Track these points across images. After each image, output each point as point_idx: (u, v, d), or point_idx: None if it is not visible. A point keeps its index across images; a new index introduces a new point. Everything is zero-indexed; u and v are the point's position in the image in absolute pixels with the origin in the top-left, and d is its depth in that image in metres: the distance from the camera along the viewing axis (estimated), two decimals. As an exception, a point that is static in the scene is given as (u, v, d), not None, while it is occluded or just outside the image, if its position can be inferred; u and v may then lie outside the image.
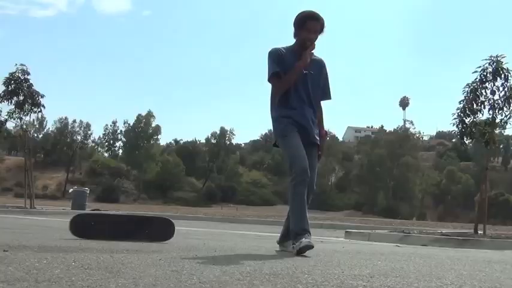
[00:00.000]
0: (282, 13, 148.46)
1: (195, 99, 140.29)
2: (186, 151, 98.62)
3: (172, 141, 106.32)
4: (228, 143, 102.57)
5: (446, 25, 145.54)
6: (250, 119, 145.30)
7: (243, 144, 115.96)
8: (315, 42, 4.96)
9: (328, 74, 5.18)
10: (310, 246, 4.53)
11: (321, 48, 5.06)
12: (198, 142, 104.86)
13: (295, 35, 4.98)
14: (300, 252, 4.49)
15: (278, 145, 5.03)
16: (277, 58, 4.91)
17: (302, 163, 4.71)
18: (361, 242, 9.47)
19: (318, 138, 5.07)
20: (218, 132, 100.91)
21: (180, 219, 16.29)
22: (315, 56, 5.04)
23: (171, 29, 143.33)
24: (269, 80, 4.96)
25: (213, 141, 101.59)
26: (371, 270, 3.57)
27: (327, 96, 5.21)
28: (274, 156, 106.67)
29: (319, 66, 5.11)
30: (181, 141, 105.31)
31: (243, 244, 6.20)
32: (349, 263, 4.04)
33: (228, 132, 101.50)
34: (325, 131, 5.24)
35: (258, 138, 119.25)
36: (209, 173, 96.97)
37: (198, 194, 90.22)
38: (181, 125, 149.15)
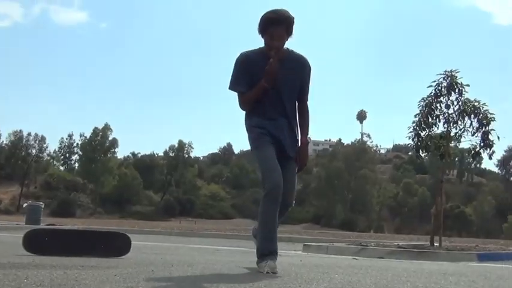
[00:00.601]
0: (242, 26, 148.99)
1: (153, 112, 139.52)
2: (143, 164, 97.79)
3: (130, 155, 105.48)
4: (187, 156, 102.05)
5: (402, 40, 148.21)
6: (209, 132, 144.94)
7: (201, 158, 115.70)
8: (284, 46, 4.48)
9: (309, 74, 4.67)
10: (274, 272, 4.19)
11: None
12: (156, 155, 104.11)
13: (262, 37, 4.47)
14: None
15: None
16: (244, 67, 4.48)
17: (274, 178, 4.31)
18: (319, 255, 9.50)
19: (294, 150, 4.59)
20: (176, 145, 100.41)
21: (137, 234, 16.11)
22: (294, 53, 4.56)
23: (128, 42, 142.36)
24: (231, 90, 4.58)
25: (171, 154, 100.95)
26: (328, 284, 3.58)
27: (303, 99, 4.71)
28: (232, 169, 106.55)
29: (299, 66, 4.58)
30: (139, 155, 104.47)
31: (200, 258, 6.15)
32: (306, 277, 4.04)
33: (187, 146, 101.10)
34: (307, 138, 4.66)
35: (217, 151, 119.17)
36: (167, 187, 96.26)
37: (156, 207, 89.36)
38: (139, 138, 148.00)
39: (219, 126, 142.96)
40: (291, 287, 3.28)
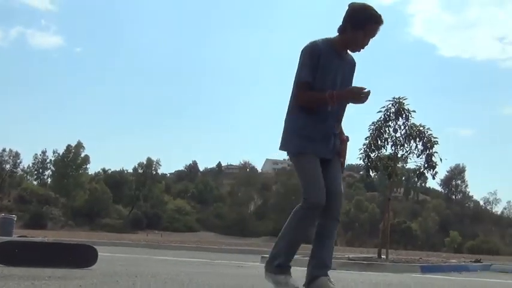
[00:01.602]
0: (212, 53, 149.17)
1: (123, 130, 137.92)
2: (113, 180, 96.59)
3: (101, 171, 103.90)
4: (154, 172, 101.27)
5: (358, 69, 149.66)
6: (176, 150, 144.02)
7: (168, 174, 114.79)
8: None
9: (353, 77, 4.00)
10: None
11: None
12: (126, 171, 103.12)
13: (343, 31, 3.71)
14: None
15: (290, 159, 3.88)
16: (315, 58, 3.68)
17: (319, 196, 3.62)
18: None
19: (338, 147, 3.91)
20: (145, 162, 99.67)
21: (105, 246, 15.86)
22: (348, 53, 3.85)
23: (102, 64, 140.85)
24: (295, 85, 3.77)
25: (140, 170, 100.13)
26: (281, 294, 3.57)
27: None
28: (197, 185, 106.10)
29: (351, 67, 3.92)
30: (110, 171, 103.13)
31: (164, 270, 6.08)
32: (260, 287, 4.03)
33: (155, 163, 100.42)
34: (346, 136, 4.04)
35: (183, 168, 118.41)
36: (135, 201, 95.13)
37: (124, 220, 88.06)
38: (110, 155, 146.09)
39: (185, 145, 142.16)
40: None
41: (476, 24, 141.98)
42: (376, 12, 3.66)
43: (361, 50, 3.78)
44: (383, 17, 3.66)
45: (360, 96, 3.63)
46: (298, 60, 3.75)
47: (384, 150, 11.94)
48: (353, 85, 3.86)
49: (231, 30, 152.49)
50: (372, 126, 11.87)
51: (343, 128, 4.02)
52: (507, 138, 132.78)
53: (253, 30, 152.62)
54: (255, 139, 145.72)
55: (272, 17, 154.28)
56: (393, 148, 11.83)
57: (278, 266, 3.66)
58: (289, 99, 3.84)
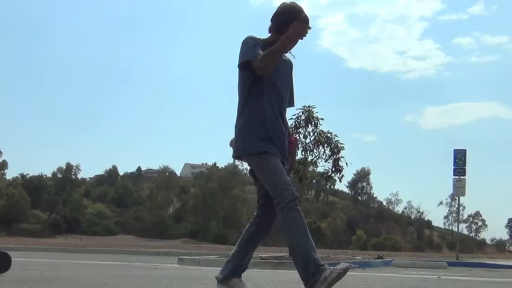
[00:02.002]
0: (128, 53, 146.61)
1: (42, 135, 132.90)
2: (32, 185, 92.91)
3: (19, 176, 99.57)
4: (74, 177, 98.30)
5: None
6: (95, 154, 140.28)
7: (88, 179, 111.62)
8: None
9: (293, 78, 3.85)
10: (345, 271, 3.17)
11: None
12: (45, 176, 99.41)
13: (278, 30, 3.53)
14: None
15: (248, 163, 3.67)
16: (256, 42, 3.55)
17: (290, 189, 3.34)
18: (192, 267, 9.41)
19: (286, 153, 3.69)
20: (64, 167, 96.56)
21: (22, 251, 15.23)
22: (284, 55, 3.68)
23: (18, 68, 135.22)
24: (242, 65, 3.54)
25: (59, 175, 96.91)
26: (194, 295, 3.56)
27: (291, 103, 3.86)
28: (117, 189, 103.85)
29: (289, 67, 3.77)
30: (28, 176, 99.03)
31: (80, 274, 5.91)
32: (175, 289, 3.99)
33: (74, 168, 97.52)
34: (294, 137, 3.89)
35: (103, 173, 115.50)
36: (55, 206, 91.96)
37: (43, 225, 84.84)
38: (28, 160, 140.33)
39: (105, 150, 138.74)
40: (159, 299, 3.22)
41: (379, 39, 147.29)
42: (302, 11, 3.53)
43: (292, 47, 3.55)
44: (307, 16, 3.49)
45: (303, 26, 3.41)
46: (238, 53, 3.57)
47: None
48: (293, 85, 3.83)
49: (149, 35, 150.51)
50: (284, 133, 12.04)
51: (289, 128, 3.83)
52: (408, 143, 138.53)
53: (172, 36, 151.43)
54: (174, 144, 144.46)
55: (191, 23, 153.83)
56: (303, 153, 12.07)
57: (316, 270, 3.15)
58: (237, 104, 3.68)
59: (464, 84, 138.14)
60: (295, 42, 3.46)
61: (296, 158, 12.21)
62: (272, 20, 3.61)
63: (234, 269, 3.61)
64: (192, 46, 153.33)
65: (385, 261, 13.47)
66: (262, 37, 3.63)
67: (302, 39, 3.52)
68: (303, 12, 3.53)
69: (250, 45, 3.53)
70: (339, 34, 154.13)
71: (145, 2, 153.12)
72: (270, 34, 3.64)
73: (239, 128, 3.61)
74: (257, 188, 3.63)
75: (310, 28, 3.52)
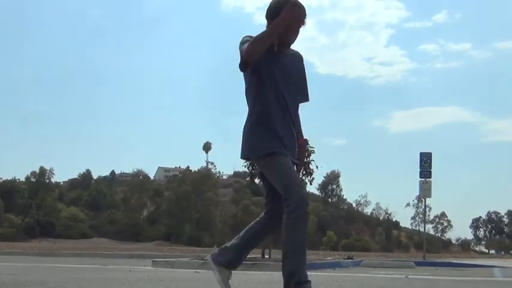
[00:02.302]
0: (101, 56, 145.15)
1: (14, 139, 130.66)
2: (4, 189, 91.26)
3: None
4: (48, 181, 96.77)
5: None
6: (69, 159, 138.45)
7: (61, 183, 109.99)
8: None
9: (305, 71, 3.64)
10: None
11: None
12: (18, 180, 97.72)
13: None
14: None
15: (257, 165, 3.53)
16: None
17: (301, 191, 3.22)
18: (166, 269, 9.34)
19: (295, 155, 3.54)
20: (38, 171, 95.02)
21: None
22: (291, 49, 3.54)
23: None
24: (240, 65, 3.33)
25: (32, 179, 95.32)
26: (167, 297, 3.52)
27: (305, 98, 3.63)
28: (91, 193, 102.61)
29: (298, 62, 3.56)
30: (1, 180, 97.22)
31: (53, 277, 5.81)
32: (149, 291, 3.95)
33: (48, 172, 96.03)
34: (305, 140, 3.68)
35: (77, 177, 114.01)
36: (28, 210, 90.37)
37: (16, 229, 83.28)
38: (1, 165, 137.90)
39: (79, 154, 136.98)
40: (133, 302, 3.18)
41: (348, 45, 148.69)
42: (294, 0, 3.32)
43: (292, 43, 3.47)
44: (302, 4, 3.36)
45: (294, 9, 3.26)
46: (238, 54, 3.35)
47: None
48: (306, 78, 3.61)
49: (121, 40, 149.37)
50: (256, 137, 12.05)
51: (302, 130, 3.63)
52: (376, 147, 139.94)
53: (146, 41, 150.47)
54: (148, 148, 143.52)
55: (165, 29, 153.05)
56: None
57: (296, 284, 3.13)
58: (248, 109, 3.49)
59: (429, 90, 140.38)
60: (288, 27, 3.29)
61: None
62: (266, 17, 3.45)
63: (232, 261, 3.56)
64: (166, 51, 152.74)
65: (355, 262, 13.58)
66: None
67: (299, 25, 3.41)
68: (296, 2, 3.34)
69: (242, 43, 3.33)
70: (308, 40, 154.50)
71: (120, 7, 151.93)
72: None
73: (247, 129, 3.45)
74: (266, 191, 3.51)
75: (305, 16, 3.40)
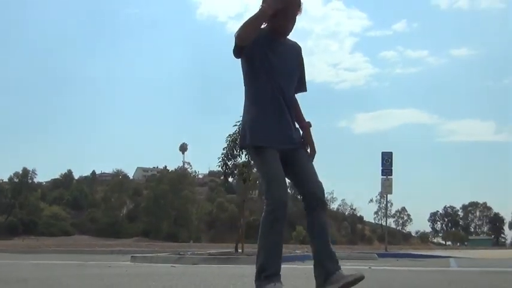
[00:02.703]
0: (82, 59, 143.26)
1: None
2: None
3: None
4: (30, 181, 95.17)
5: (215, 86, 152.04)
6: (51, 159, 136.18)
7: (44, 183, 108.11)
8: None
9: (303, 61, 3.44)
10: None
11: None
12: (1, 181, 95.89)
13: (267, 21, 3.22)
14: None
15: (248, 153, 3.38)
16: None
17: (280, 192, 3.09)
18: (144, 264, 9.25)
19: (300, 138, 3.36)
20: (21, 172, 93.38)
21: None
22: (289, 39, 3.36)
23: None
24: (234, 50, 3.15)
25: (15, 180, 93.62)
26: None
27: (302, 87, 3.43)
28: (72, 192, 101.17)
29: (295, 52, 3.37)
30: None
31: (35, 274, 5.70)
32: (126, 286, 3.90)
33: (30, 172, 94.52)
34: (308, 122, 3.44)
35: (58, 177, 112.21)
36: (11, 209, 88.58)
37: (0, 227, 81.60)
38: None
39: (60, 155, 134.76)
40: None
41: (315, 52, 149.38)
42: None
43: (289, 32, 3.28)
44: None
45: None
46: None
47: (239, 158, 12.16)
48: (304, 69, 3.42)
49: (97, 45, 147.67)
50: (229, 138, 12.03)
51: (302, 114, 3.44)
52: (341, 146, 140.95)
53: (121, 46, 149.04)
54: (127, 149, 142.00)
55: (139, 34, 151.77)
56: (247, 157, 12.06)
57: (266, 278, 3.09)
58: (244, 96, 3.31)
59: (390, 93, 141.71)
60: (284, 15, 3.13)
61: (242, 161, 12.24)
62: None
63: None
64: (145, 57, 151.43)
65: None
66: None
67: (295, 13, 3.21)
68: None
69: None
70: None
71: (93, 14, 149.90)
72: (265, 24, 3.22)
73: (243, 118, 3.31)
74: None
75: (301, 3, 3.21)
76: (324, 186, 3.23)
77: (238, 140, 3.35)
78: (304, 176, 3.22)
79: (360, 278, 2.97)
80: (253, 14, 3.07)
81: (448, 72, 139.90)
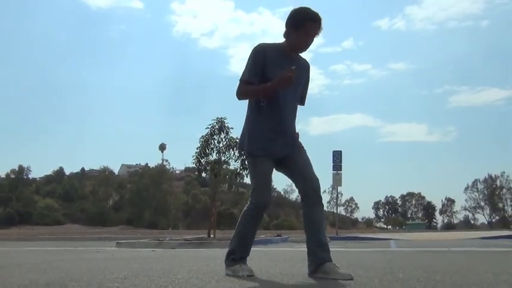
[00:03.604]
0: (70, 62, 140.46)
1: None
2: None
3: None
4: (26, 177, 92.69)
5: (191, 93, 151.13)
6: (45, 157, 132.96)
7: (38, 178, 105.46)
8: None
9: (309, 79, 3.34)
10: (252, 275, 3.08)
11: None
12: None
13: (287, 35, 3.09)
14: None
15: (245, 156, 3.29)
16: (258, 60, 3.06)
17: (264, 197, 3.11)
18: (128, 249, 9.11)
19: (298, 144, 3.26)
20: (17, 169, 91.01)
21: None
22: (300, 56, 3.23)
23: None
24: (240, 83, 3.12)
25: (12, 176, 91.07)
26: (127, 273, 3.43)
27: (302, 102, 3.31)
28: (64, 186, 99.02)
29: (305, 69, 3.25)
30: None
31: (29, 259, 5.54)
32: (112, 268, 3.83)
33: (26, 169, 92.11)
34: (297, 133, 3.31)
35: (51, 173, 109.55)
36: (8, 201, 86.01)
37: (-2, 218, 79.07)
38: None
39: (53, 153, 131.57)
40: (97, 278, 3.08)
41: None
42: (313, 11, 3.04)
43: (306, 49, 3.14)
44: (320, 15, 3.06)
45: (286, 80, 2.94)
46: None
47: (211, 156, 12.14)
48: (308, 86, 3.31)
49: (85, 59, 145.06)
50: (202, 139, 12.01)
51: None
52: (310, 143, 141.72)
53: (109, 58, 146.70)
54: (112, 148, 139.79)
55: (124, 47, 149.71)
56: (218, 155, 12.06)
57: (233, 260, 3.17)
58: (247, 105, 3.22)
59: (340, 100, 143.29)
60: (305, 38, 3.01)
61: (212, 159, 12.20)
62: (286, 24, 3.07)
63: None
64: (127, 68, 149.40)
65: (283, 238, 13.70)
66: (278, 41, 3.16)
67: (314, 37, 3.07)
68: (314, 13, 3.05)
69: (248, 64, 3.08)
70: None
71: (84, 29, 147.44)
72: (284, 39, 3.12)
73: (245, 125, 3.19)
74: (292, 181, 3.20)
75: (320, 28, 3.07)
76: (319, 184, 3.15)
77: (238, 142, 3.28)
78: (302, 172, 3.13)
79: (349, 278, 2.87)
80: (252, 88, 3.03)
81: (388, 82, 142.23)
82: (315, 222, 3.07)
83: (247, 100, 3.18)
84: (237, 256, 3.17)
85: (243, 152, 3.28)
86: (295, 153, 3.17)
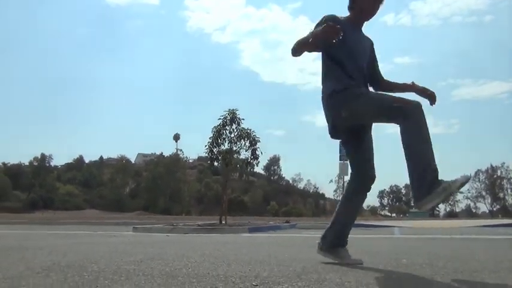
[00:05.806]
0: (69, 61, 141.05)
1: (21, 131, 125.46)
2: (12, 171, 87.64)
3: (1, 164, 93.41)
4: (48, 165, 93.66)
5: (203, 86, 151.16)
6: (66, 146, 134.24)
7: (59, 166, 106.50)
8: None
9: (374, 52, 3.06)
10: (360, 263, 2.94)
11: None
12: (23, 164, 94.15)
13: (353, 3, 2.87)
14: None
15: (347, 112, 2.85)
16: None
17: (368, 171, 3.02)
18: (144, 234, 9.19)
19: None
20: (39, 157, 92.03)
21: (5, 224, 14.32)
22: (363, 33, 2.97)
23: None
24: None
25: (35, 163, 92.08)
26: (143, 256, 3.45)
27: (378, 76, 3.09)
28: (84, 174, 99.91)
29: (369, 41, 3.02)
30: (9, 164, 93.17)
31: (51, 242, 5.60)
32: (128, 251, 3.86)
33: (48, 157, 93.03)
34: (411, 82, 3.04)
35: (72, 161, 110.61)
36: (32, 188, 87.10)
37: (23, 203, 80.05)
38: (10, 152, 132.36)
39: (73, 142, 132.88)
40: (115, 261, 3.10)
41: (285, 59, 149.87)
42: None
43: (374, 14, 2.88)
44: None
45: (331, 30, 2.53)
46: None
47: (223, 146, 12.15)
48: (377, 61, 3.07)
49: (106, 53, 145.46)
50: (214, 129, 12.02)
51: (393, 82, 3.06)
52: (306, 136, 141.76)
53: (123, 55, 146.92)
54: (130, 137, 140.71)
55: (140, 42, 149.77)
56: (229, 145, 12.07)
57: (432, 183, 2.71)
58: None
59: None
60: (319, 37, 2.60)
61: (224, 148, 12.21)
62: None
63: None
64: (145, 62, 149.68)
65: (291, 225, 13.72)
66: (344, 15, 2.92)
67: (380, 4, 2.85)
68: None
69: (317, 25, 2.78)
70: (255, 55, 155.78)
71: (103, 24, 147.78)
72: (348, 12, 2.92)
73: (324, 92, 2.98)
74: (351, 164, 3.04)
75: None
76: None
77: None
78: (368, 159, 3.01)
79: (360, 263, 2.93)
80: (307, 36, 2.71)
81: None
82: (355, 210, 3.19)
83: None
84: (343, 242, 3.15)
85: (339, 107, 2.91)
86: (369, 133, 3.13)
